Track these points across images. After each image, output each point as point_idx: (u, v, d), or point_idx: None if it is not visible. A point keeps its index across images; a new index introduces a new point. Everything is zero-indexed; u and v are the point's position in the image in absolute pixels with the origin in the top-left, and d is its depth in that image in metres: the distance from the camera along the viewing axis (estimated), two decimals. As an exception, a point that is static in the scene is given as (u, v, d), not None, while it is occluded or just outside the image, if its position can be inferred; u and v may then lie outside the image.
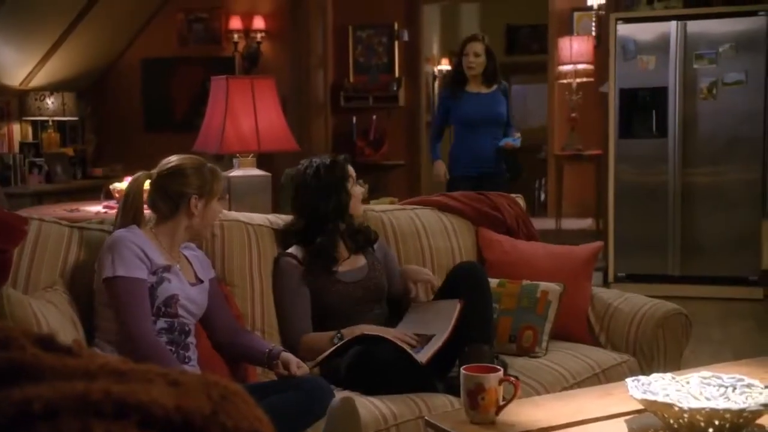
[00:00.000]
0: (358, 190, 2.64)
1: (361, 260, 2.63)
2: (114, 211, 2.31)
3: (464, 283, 2.45)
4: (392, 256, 2.78)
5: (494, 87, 4.59)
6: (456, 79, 4.67)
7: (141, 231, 2.18)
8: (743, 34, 5.40)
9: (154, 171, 2.24)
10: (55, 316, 2.03)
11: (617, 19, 5.64)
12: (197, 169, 2.21)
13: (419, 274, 2.68)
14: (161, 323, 2.13)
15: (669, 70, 5.51)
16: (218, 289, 2.35)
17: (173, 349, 2.13)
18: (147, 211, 2.29)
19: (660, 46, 5.52)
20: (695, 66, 5.49)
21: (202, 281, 2.27)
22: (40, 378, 0.64)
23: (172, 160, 2.24)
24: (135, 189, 2.23)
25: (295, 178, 2.66)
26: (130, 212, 2.21)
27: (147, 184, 2.27)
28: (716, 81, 5.46)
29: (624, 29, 5.60)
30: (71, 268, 2.26)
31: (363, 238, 2.65)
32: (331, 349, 2.34)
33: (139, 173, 2.28)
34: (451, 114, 4.71)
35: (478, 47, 4.53)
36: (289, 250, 2.58)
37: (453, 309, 2.40)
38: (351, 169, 2.64)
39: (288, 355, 2.21)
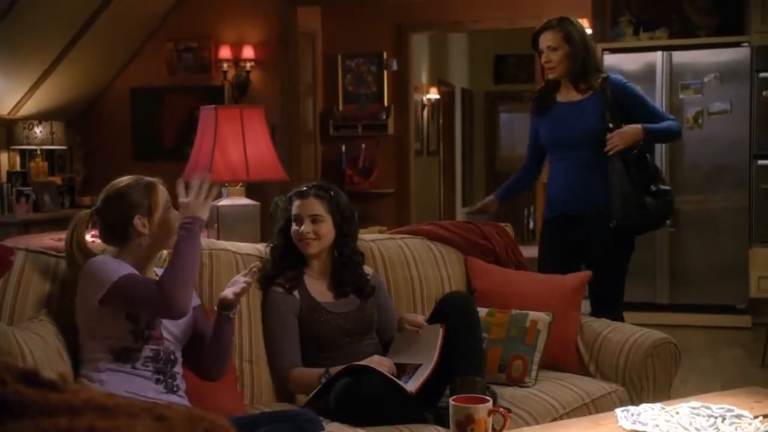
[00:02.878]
0: (299, 230, 2.54)
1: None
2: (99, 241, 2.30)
3: (454, 312, 2.44)
4: (385, 291, 2.76)
5: (589, 92, 3.23)
6: (544, 87, 3.36)
7: (109, 256, 2.17)
8: (728, 64, 5.47)
9: (93, 206, 2.24)
10: (40, 348, 2.01)
11: (604, 49, 5.71)
12: (132, 187, 2.19)
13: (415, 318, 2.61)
14: (146, 351, 2.11)
15: (655, 99, 5.55)
16: (204, 318, 2.33)
17: (161, 377, 2.12)
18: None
19: (646, 76, 5.58)
20: (681, 96, 5.55)
21: None
22: (23, 414, 0.64)
23: (107, 188, 2.23)
24: (77, 227, 2.21)
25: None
26: (75, 253, 2.20)
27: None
28: (702, 110, 5.52)
29: (611, 59, 5.66)
30: (57, 298, 2.24)
31: (353, 288, 2.59)
32: (319, 387, 2.32)
33: (78, 213, 2.26)
34: (540, 134, 3.38)
35: (552, 38, 3.20)
36: (278, 280, 2.57)
37: (436, 335, 2.39)
38: (297, 206, 2.56)
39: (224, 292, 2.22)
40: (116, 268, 2.09)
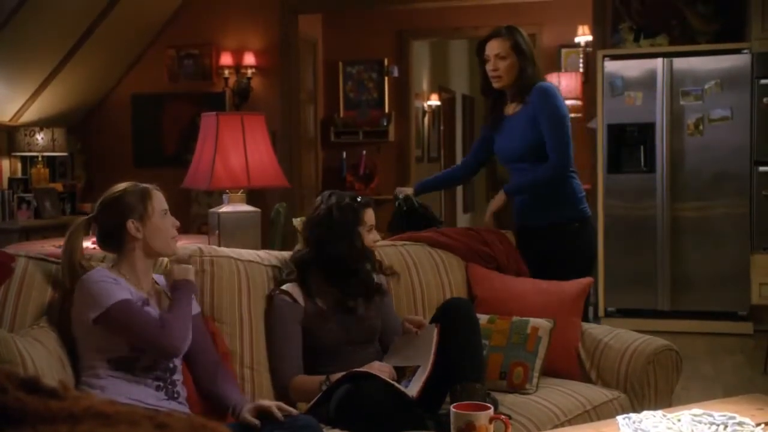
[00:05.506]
0: (370, 238, 2.58)
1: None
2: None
3: (454, 319, 2.44)
4: (390, 297, 2.75)
5: (522, 105, 3.12)
6: (493, 101, 3.26)
7: (105, 270, 2.17)
8: (728, 71, 5.48)
9: (92, 212, 2.25)
10: (41, 355, 2.01)
11: (604, 56, 5.71)
12: (127, 192, 2.19)
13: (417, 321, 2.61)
14: (145, 360, 2.11)
15: (656, 106, 5.56)
16: (203, 327, 2.32)
17: (161, 384, 2.11)
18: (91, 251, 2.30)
19: (647, 83, 5.58)
20: (682, 102, 5.55)
21: None
22: (23, 421, 0.64)
23: (103, 194, 2.23)
24: (71, 238, 2.22)
25: (313, 209, 2.62)
26: (69, 260, 2.21)
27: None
28: (702, 117, 5.52)
29: (611, 66, 5.66)
30: (58, 305, 2.24)
31: (365, 291, 2.59)
32: (319, 395, 2.32)
33: (73, 222, 2.27)
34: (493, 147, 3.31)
35: (501, 46, 3.10)
36: (284, 288, 2.56)
37: (431, 335, 2.39)
38: (368, 214, 2.58)
39: (262, 405, 2.11)
40: (113, 289, 2.08)
